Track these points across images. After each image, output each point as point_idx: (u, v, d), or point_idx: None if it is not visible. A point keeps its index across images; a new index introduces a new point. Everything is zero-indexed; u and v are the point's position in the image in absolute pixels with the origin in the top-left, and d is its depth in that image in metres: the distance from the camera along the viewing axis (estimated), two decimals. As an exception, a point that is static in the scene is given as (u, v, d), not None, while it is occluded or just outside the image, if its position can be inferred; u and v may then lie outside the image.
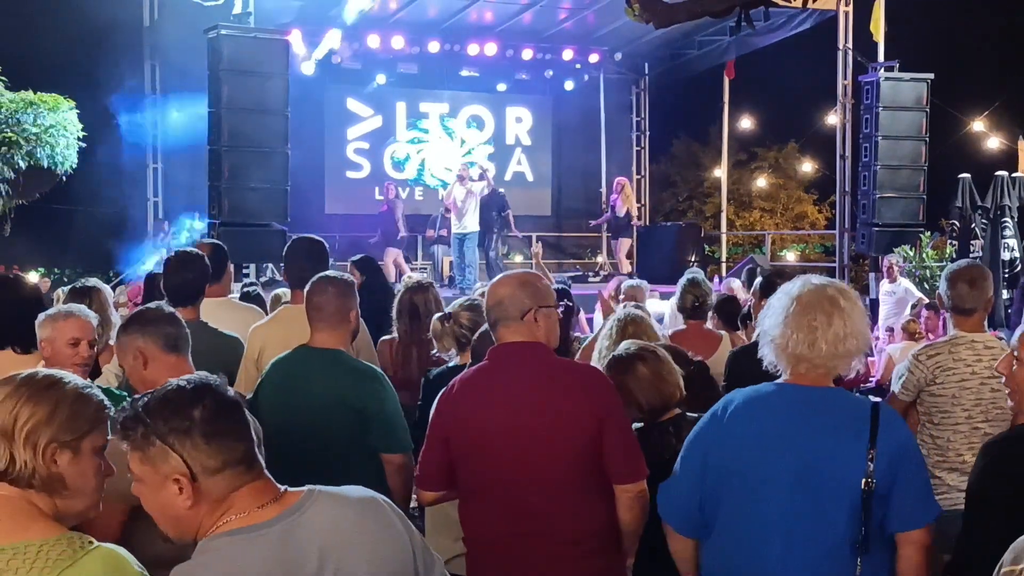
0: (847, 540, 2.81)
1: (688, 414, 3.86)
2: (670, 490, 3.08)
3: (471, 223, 15.08)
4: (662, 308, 8.93)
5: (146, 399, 2.11)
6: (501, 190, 15.97)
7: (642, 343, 4.06)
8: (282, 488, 2.17)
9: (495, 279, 3.51)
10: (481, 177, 15.60)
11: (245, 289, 9.33)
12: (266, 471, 2.17)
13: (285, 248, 5.37)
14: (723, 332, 6.37)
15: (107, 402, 2.29)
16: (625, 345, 4.04)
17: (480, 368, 3.43)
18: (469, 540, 3.42)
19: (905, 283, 12.91)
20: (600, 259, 17.53)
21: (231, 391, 2.17)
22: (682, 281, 6.36)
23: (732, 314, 6.84)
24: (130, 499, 3.15)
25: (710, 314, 6.96)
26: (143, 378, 3.41)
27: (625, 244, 16.97)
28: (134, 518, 3.20)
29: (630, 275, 14.63)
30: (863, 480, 2.77)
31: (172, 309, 3.62)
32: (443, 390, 3.49)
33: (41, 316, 3.95)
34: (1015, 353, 2.97)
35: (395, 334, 5.68)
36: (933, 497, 2.91)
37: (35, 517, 2.14)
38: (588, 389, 3.28)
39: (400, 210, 16.43)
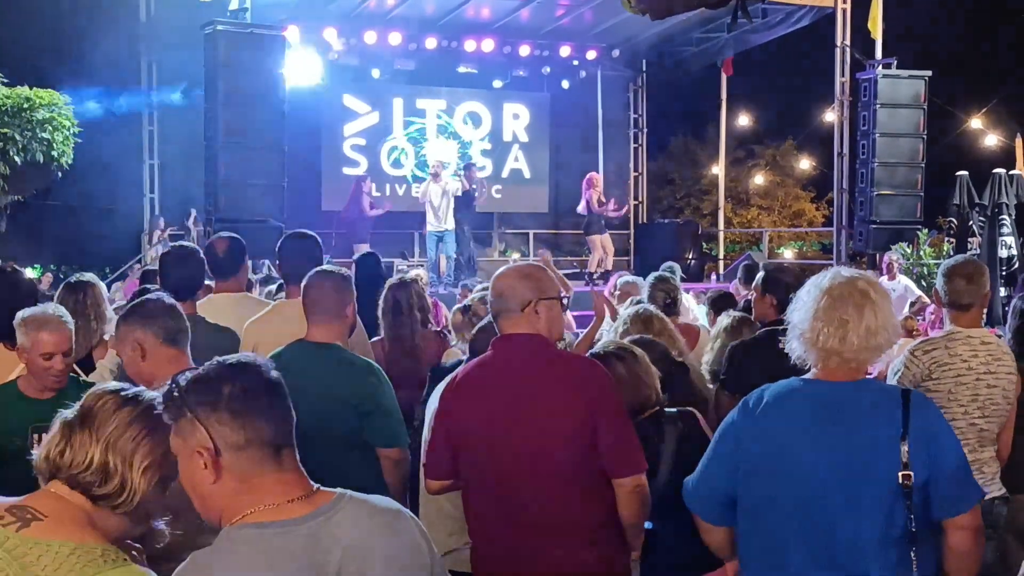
0: (890, 533, 2.78)
1: (667, 410, 3.86)
2: (696, 483, 3.07)
3: (449, 222, 15.11)
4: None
5: (186, 375, 2.11)
6: (473, 187, 15.84)
7: (621, 342, 4.08)
8: (315, 486, 2.14)
9: (498, 271, 3.51)
10: (467, 175, 15.63)
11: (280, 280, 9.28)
12: (300, 466, 2.14)
13: (278, 244, 5.34)
14: (701, 325, 6.37)
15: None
16: (603, 343, 4.06)
17: (482, 360, 3.46)
18: (471, 529, 3.44)
19: (905, 280, 12.91)
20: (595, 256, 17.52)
21: (274, 374, 2.15)
22: (649, 280, 6.34)
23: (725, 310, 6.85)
24: None
25: (706, 310, 6.97)
26: (140, 370, 3.39)
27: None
28: None
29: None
30: (899, 473, 2.75)
31: (173, 301, 3.58)
32: (447, 380, 3.52)
33: (17, 317, 3.86)
34: None
35: (382, 334, 5.68)
36: (974, 478, 2.86)
37: (84, 525, 2.14)
38: (583, 382, 3.29)
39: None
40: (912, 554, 2.77)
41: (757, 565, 3.00)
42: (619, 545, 3.38)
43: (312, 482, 2.14)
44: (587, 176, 16.44)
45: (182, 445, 2.09)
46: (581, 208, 16.15)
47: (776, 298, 5.09)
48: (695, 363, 5.08)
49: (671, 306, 6.15)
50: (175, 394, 2.09)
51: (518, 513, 3.26)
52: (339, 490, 2.16)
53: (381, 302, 5.70)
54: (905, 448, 2.76)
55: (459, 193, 15.31)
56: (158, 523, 2.30)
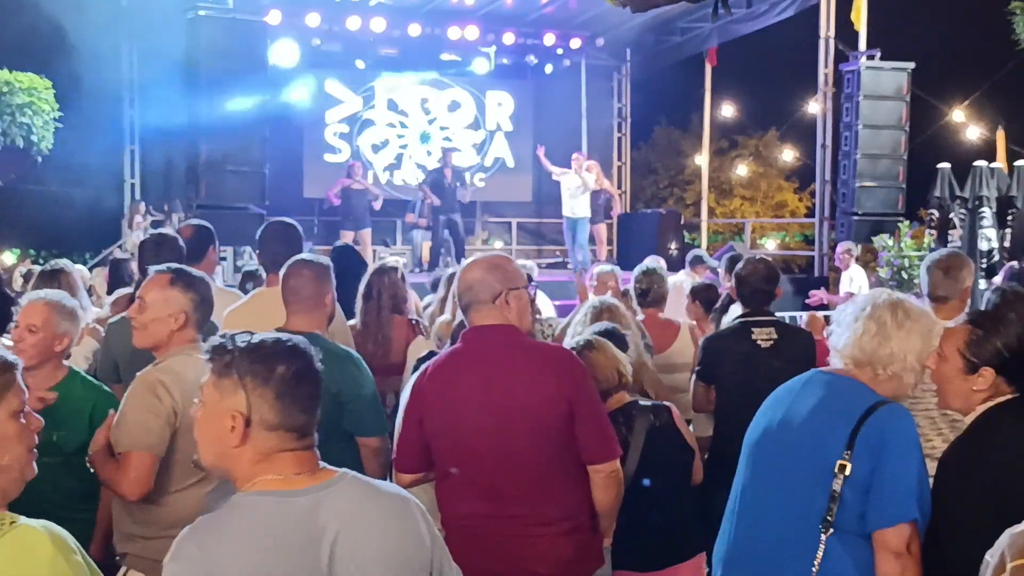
0: (816, 518, 2.85)
1: (641, 403, 3.88)
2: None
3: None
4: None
5: (246, 336, 2.17)
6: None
7: (589, 337, 4.10)
8: (321, 464, 2.22)
9: (465, 263, 3.54)
10: (444, 160, 15.79)
11: (246, 269, 9.25)
12: (315, 446, 2.22)
13: (259, 231, 5.32)
14: (681, 321, 6.32)
15: (8, 357, 2.19)
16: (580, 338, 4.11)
17: (452, 351, 3.47)
18: (445, 519, 3.45)
19: (853, 272, 13.02)
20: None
21: (319, 365, 2.22)
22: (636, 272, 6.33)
23: (710, 301, 6.83)
24: (156, 449, 3.25)
25: (687, 301, 6.96)
26: (168, 335, 3.48)
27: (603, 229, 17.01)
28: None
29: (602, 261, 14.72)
30: (838, 462, 2.82)
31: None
32: (418, 372, 3.53)
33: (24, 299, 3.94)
34: (938, 350, 3.04)
35: (356, 320, 5.67)
36: (912, 499, 2.83)
37: None
38: (558, 370, 3.32)
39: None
40: (821, 537, 2.84)
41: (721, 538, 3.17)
42: (593, 532, 3.42)
43: (320, 461, 2.23)
44: (588, 163, 16.58)
45: (217, 400, 2.15)
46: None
47: (739, 291, 5.13)
48: (647, 359, 5.02)
49: (645, 295, 6.12)
50: (229, 350, 2.15)
51: (494, 502, 3.27)
52: (343, 469, 2.25)
53: (362, 287, 5.71)
54: (851, 441, 2.84)
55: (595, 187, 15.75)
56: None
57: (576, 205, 15.62)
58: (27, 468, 2.17)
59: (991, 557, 2.07)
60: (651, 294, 6.07)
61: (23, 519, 2.02)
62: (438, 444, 3.37)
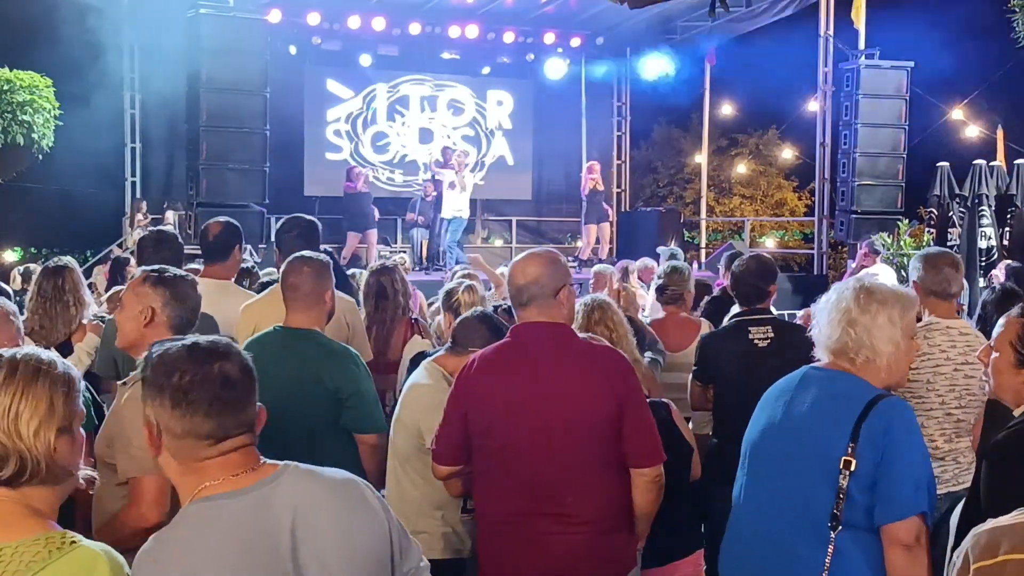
0: (823, 515, 2.85)
1: None
2: None
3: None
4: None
5: (160, 347, 2.15)
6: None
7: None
8: (261, 460, 2.19)
9: (521, 258, 3.49)
10: (444, 158, 15.92)
11: (242, 266, 9.23)
12: (250, 445, 2.18)
13: (278, 227, 5.36)
14: (703, 320, 6.32)
15: (72, 372, 2.20)
16: None
17: (501, 346, 3.45)
18: (481, 516, 3.46)
19: (878, 267, 13.02)
20: (579, 243, 17.52)
21: (241, 364, 2.16)
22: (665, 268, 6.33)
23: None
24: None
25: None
26: (139, 331, 3.35)
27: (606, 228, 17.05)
28: None
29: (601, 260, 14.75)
30: (842, 458, 2.82)
31: (200, 295, 3.54)
32: (463, 367, 3.50)
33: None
34: (991, 344, 3.06)
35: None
36: (921, 493, 2.84)
37: (19, 516, 2.03)
38: (609, 372, 3.31)
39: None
40: (831, 535, 2.84)
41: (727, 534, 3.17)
42: (630, 534, 3.42)
43: (260, 456, 2.20)
44: (588, 164, 16.66)
45: (144, 410, 2.16)
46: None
47: (733, 288, 5.14)
48: (639, 356, 5.00)
49: (662, 291, 6.12)
50: (145, 362, 2.16)
51: (533, 499, 3.27)
52: (284, 461, 2.22)
53: (363, 286, 5.71)
54: (854, 436, 2.84)
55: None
56: (83, 470, 2.22)
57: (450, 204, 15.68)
58: (75, 482, 2.23)
59: (957, 558, 2.04)
60: (667, 292, 6.07)
61: (84, 540, 2.03)
62: (480, 440, 3.35)
